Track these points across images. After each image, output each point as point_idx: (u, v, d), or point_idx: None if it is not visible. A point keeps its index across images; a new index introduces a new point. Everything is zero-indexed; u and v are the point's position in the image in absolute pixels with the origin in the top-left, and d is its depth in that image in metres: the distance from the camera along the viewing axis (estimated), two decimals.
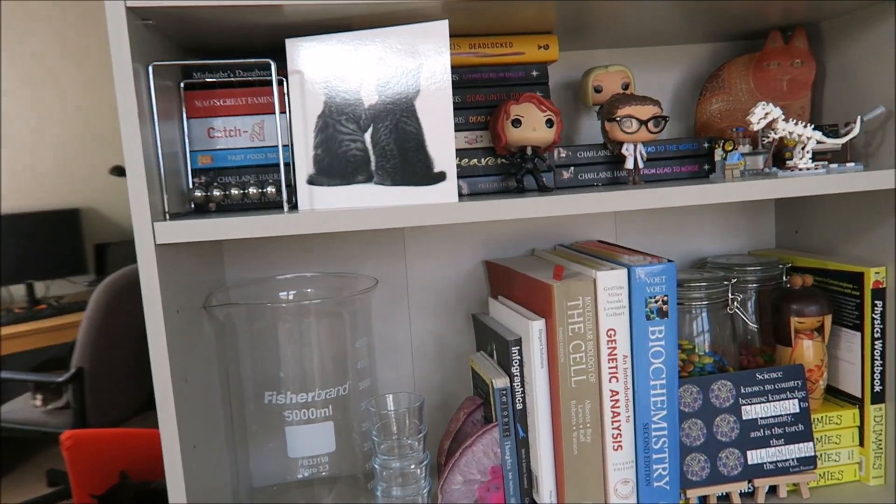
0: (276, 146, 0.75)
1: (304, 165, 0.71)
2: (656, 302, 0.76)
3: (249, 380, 0.78)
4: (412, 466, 0.77)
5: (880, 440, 0.85)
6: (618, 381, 0.76)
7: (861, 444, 0.86)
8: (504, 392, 0.79)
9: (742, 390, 0.83)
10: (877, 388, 0.84)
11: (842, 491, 0.85)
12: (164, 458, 0.65)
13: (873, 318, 0.83)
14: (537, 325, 0.77)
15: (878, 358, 0.83)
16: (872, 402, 0.84)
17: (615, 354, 0.76)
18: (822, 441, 0.85)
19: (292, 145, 0.71)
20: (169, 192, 0.67)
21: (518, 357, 0.79)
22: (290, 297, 0.87)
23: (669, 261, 0.76)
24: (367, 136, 0.70)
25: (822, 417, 0.85)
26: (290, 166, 0.74)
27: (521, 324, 0.79)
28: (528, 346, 0.78)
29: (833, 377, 0.89)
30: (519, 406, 0.80)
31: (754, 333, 0.93)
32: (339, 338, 0.79)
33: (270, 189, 0.71)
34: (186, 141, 0.74)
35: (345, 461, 0.80)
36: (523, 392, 0.80)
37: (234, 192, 0.71)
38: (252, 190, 0.72)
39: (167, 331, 0.64)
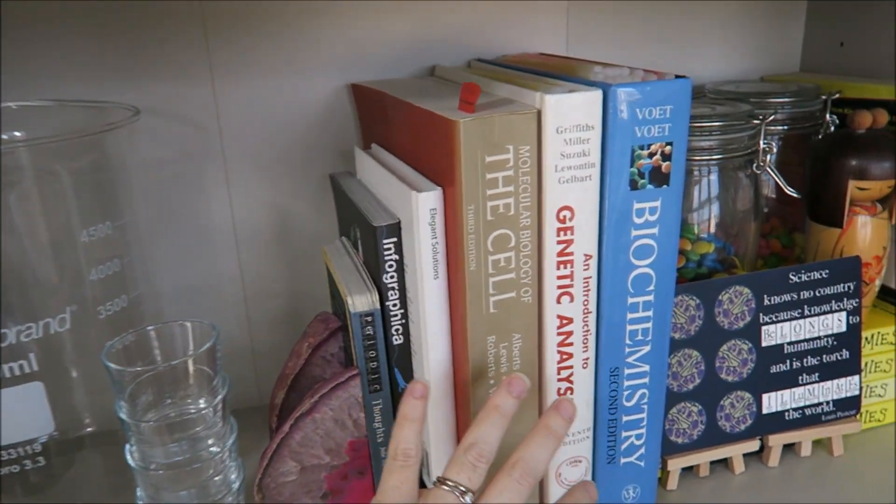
0: None
1: None
2: (651, 155, 0.40)
3: None
4: (207, 447, 0.43)
5: None
6: (572, 300, 0.42)
7: None
8: (369, 319, 0.44)
9: (765, 301, 0.51)
10: None
11: (882, 438, 0.57)
12: None
13: None
14: (427, 201, 0.40)
15: None
16: None
17: (570, 254, 0.41)
18: (867, 368, 0.56)
19: None
20: None
21: (393, 257, 0.44)
22: None
23: (680, 76, 0.40)
24: None
25: (870, 336, 0.55)
26: None
27: (402, 196, 0.43)
28: (411, 237, 0.42)
29: (888, 273, 0.58)
30: (397, 340, 0.45)
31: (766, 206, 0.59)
32: (54, 220, 0.41)
33: None
34: None
35: (93, 445, 0.45)
36: (405, 317, 0.45)
37: None
38: None
39: None
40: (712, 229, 0.55)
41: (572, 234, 0.41)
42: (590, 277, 0.42)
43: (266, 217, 0.59)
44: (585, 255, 0.42)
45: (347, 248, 0.52)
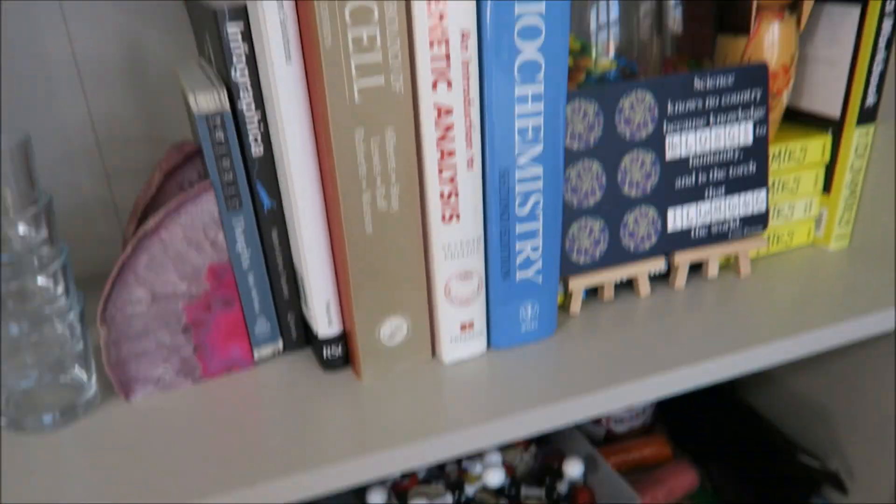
0: None
1: None
2: None
3: None
4: (43, 304, 0.36)
5: (856, 182, 0.54)
6: (450, 87, 0.37)
7: (827, 189, 0.55)
8: (217, 121, 0.38)
9: (669, 109, 0.47)
10: (870, 101, 0.51)
11: (788, 260, 0.55)
12: None
13: None
14: None
15: (883, 49, 0.50)
16: (859, 122, 0.52)
17: (443, 30, 0.36)
18: (773, 188, 0.54)
19: None
20: None
21: (241, 48, 0.37)
22: None
23: None
24: None
25: (778, 151, 0.53)
26: None
27: None
28: (257, 18, 0.36)
29: (798, 87, 0.55)
30: (257, 151, 0.40)
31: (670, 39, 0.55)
32: None
33: None
34: None
35: None
36: (263, 124, 0.39)
37: None
38: None
39: None
40: (612, 52, 0.51)
41: (444, 4, 0.35)
42: (469, 60, 0.37)
43: (113, 48, 0.51)
44: (462, 32, 0.36)
45: (202, 65, 0.45)
